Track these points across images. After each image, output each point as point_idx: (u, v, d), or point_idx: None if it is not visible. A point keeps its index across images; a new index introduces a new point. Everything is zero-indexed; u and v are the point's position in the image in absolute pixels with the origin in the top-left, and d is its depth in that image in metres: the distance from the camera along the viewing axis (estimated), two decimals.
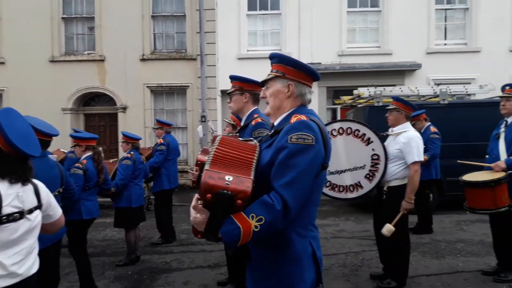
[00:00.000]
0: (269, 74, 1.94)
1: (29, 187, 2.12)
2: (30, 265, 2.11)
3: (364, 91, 7.68)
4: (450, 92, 7.58)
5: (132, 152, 5.35)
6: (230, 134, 2.89)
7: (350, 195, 4.11)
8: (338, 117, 11.57)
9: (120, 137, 5.61)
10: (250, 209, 1.57)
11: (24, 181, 2.09)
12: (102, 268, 5.17)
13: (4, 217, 1.94)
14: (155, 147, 6.32)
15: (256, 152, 1.75)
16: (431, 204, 6.99)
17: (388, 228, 3.86)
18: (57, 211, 2.34)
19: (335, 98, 10.77)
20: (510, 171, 3.94)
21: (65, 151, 6.65)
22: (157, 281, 4.68)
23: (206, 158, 1.66)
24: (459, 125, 7.43)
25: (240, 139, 1.88)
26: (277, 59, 1.93)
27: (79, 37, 12.07)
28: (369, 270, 4.70)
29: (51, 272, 3.34)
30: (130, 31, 11.51)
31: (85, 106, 12.24)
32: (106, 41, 11.63)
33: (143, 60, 11.63)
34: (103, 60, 11.67)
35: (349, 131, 4.02)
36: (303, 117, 1.73)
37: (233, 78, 3.01)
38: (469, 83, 10.26)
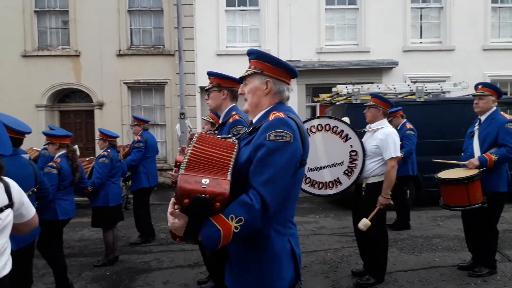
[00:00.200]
0: (247, 71, 1.93)
1: (0, 185, 2.05)
2: (2, 266, 2.05)
3: (342, 89, 7.75)
4: (426, 90, 7.72)
5: (109, 150, 5.23)
6: (209, 132, 2.84)
7: (329, 192, 4.14)
8: (318, 114, 11.64)
9: (97, 134, 5.48)
10: (229, 210, 1.56)
11: None
12: (80, 269, 5.06)
13: None
14: (132, 144, 6.20)
15: (235, 149, 1.73)
16: (408, 200, 7.11)
17: (364, 223, 3.90)
18: (30, 211, 2.27)
19: (314, 95, 10.83)
20: (483, 168, 4.04)
21: (38, 149, 6.47)
22: (136, 281, 4.60)
23: (183, 159, 1.63)
24: (435, 122, 7.59)
25: (219, 136, 1.85)
26: (255, 56, 1.91)
27: (53, 31, 11.72)
28: (349, 267, 4.74)
29: (24, 274, 3.25)
30: (106, 26, 11.25)
31: (60, 102, 11.92)
32: (81, 35, 11.33)
33: (119, 55, 11.40)
34: (78, 55, 11.37)
35: (327, 127, 4.04)
36: (281, 115, 1.72)
37: (211, 74, 2.98)
38: (444, 81, 10.49)
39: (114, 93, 11.41)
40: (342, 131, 4.04)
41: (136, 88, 11.71)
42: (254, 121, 1.90)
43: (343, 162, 4.06)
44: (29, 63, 11.37)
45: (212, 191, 1.50)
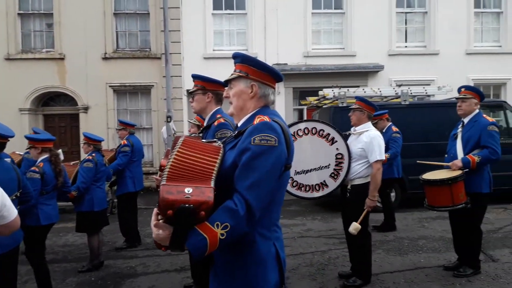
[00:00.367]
0: (232, 74, 1.93)
1: None
2: None
3: (328, 92, 7.82)
4: (411, 93, 7.82)
5: (93, 154, 5.17)
6: (193, 135, 2.83)
7: (316, 194, 4.17)
8: (305, 118, 11.69)
9: (82, 138, 5.43)
10: (214, 217, 1.55)
11: None
12: (64, 275, 4.97)
13: None
14: (118, 148, 6.13)
15: (220, 154, 1.72)
16: (393, 202, 7.18)
17: (354, 227, 3.93)
18: (12, 212, 2.22)
19: (301, 98, 10.87)
20: (467, 170, 4.11)
21: (21, 153, 6.36)
22: (121, 286, 4.55)
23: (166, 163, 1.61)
24: (420, 125, 7.69)
25: (203, 140, 1.85)
26: (240, 59, 1.91)
27: (37, 34, 11.56)
28: (336, 269, 4.76)
29: (8, 279, 3.18)
30: (91, 29, 11.14)
31: (44, 106, 11.75)
32: (65, 38, 11.20)
33: (105, 58, 11.29)
34: (62, 59, 11.23)
35: (314, 131, 4.06)
36: (266, 118, 1.72)
37: (195, 77, 2.97)
38: (429, 84, 10.64)
39: (100, 97, 11.29)
40: (328, 134, 4.07)
41: (122, 91, 11.60)
42: (239, 124, 1.90)
43: (329, 165, 4.08)
44: (13, 66, 11.19)
45: (196, 200, 1.47)
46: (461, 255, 4.48)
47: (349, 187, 4.16)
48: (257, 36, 11.56)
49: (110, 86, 11.37)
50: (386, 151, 6.05)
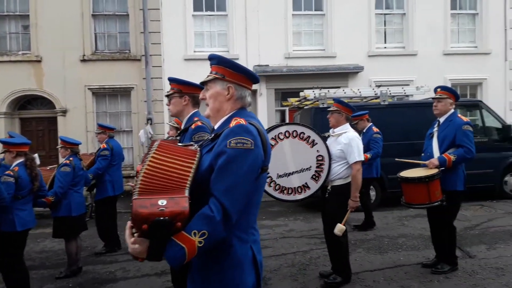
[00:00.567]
0: (208, 76, 1.92)
1: None
2: None
3: (309, 93, 7.88)
4: (390, 94, 7.94)
5: (71, 158, 5.06)
6: (170, 138, 2.80)
7: (298, 197, 4.19)
8: (287, 119, 11.74)
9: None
10: (191, 225, 1.54)
11: None
12: (41, 281, 4.87)
13: None
14: (97, 152, 6.04)
15: (196, 157, 1.71)
16: (371, 201, 7.27)
17: (339, 228, 3.98)
18: None
19: (283, 99, 10.93)
20: (443, 168, 4.19)
21: None
22: None
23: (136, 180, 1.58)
24: (399, 125, 7.80)
25: (180, 144, 1.83)
26: (216, 61, 1.91)
27: (13, 36, 11.28)
28: (317, 269, 4.78)
29: None
30: (68, 31, 10.91)
31: (21, 109, 11.47)
32: (42, 40, 10.95)
33: (83, 60, 11.09)
34: (39, 61, 10.99)
35: (294, 134, 4.09)
36: (242, 121, 1.71)
37: (171, 80, 2.95)
38: (408, 85, 10.78)
39: (78, 99, 11.08)
40: (309, 137, 4.10)
41: (101, 94, 11.43)
42: (216, 127, 1.89)
43: (310, 167, 4.12)
44: None
45: (171, 211, 1.44)
46: (439, 252, 4.57)
47: (329, 188, 4.20)
48: (238, 37, 11.55)
49: (89, 88, 11.17)
50: (366, 151, 6.16)
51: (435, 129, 4.46)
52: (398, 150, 7.33)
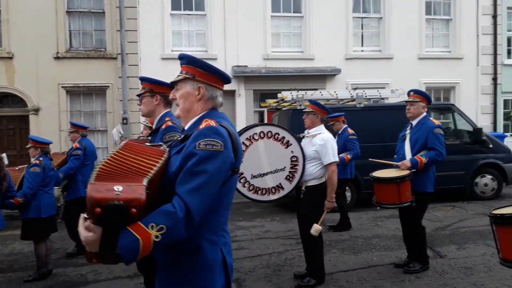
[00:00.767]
0: (178, 75, 1.90)
1: None
2: None
3: (287, 95, 7.92)
4: (366, 96, 8.06)
5: (41, 158, 4.93)
6: (142, 138, 2.77)
7: (272, 197, 4.20)
8: (265, 119, 11.77)
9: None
10: (149, 218, 1.48)
11: None
12: (8, 285, 4.72)
13: None
14: (70, 152, 5.90)
15: (163, 157, 1.68)
16: (347, 202, 7.35)
17: (316, 228, 4.00)
18: None
19: (262, 101, 10.94)
20: (414, 169, 4.28)
21: None
22: None
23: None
24: (374, 127, 7.92)
25: (148, 144, 1.80)
26: (186, 60, 1.88)
27: None
28: (292, 269, 4.79)
29: None
30: (42, 27, 10.67)
31: None
32: (14, 37, 10.67)
33: (57, 58, 10.86)
34: (11, 58, 10.70)
35: (269, 134, 4.10)
36: (213, 123, 1.69)
37: (142, 79, 2.91)
38: (384, 88, 10.99)
39: (51, 98, 10.84)
40: (284, 137, 4.12)
41: (75, 92, 11.21)
42: (186, 128, 1.87)
43: (284, 167, 4.13)
44: None
45: (126, 197, 1.39)
46: (410, 252, 4.65)
47: (303, 188, 4.22)
48: (217, 37, 11.51)
49: (62, 86, 10.94)
50: (342, 152, 6.23)
51: (408, 131, 4.56)
52: (373, 151, 7.39)
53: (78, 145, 5.83)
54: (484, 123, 12.45)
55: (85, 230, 1.45)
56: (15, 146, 10.99)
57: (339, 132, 6.69)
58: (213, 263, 1.70)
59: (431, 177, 4.37)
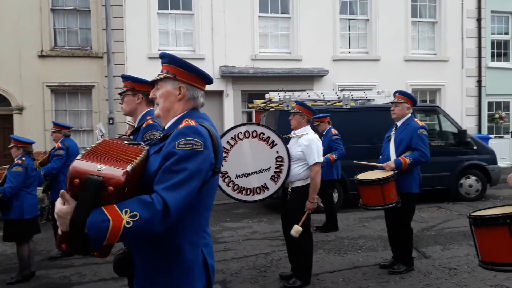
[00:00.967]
0: (159, 74, 1.87)
1: None
2: None
3: (274, 96, 7.92)
4: (352, 98, 8.10)
5: (23, 158, 4.85)
6: (123, 137, 2.73)
7: (257, 197, 4.19)
8: (253, 120, 11.75)
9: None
10: (125, 203, 1.47)
11: None
12: None
13: None
14: (52, 151, 5.81)
15: (141, 155, 1.66)
16: (335, 202, 7.37)
17: (296, 229, 3.99)
18: None
19: (250, 101, 10.92)
20: (398, 171, 4.31)
21: None
22: None
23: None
24: (361, 128, 7.97)
25: (126, 142, 1.77)
26: (168, 59, 1.86)
27: None
28: (278, 271, 4.78)
29: None
30: (26, 25, 10.47)
31: None
32: None
33: (41, 56, 10.67)
34: None
35: (254, 134, 4.09)
36: (193, 122, 1.68)
37: (124, 77, 2.88)
38: (371, 89, 11.08)
39: (36, 97, 10.65)
40: (269, 137, 4.11)
41: (60, 91, 11.04)
42: (166, 127, 1.85)
43: (269, 168, 4.12)
44: None
45: (106, 174, 1.42)
46: (395, 253, 4.68)
47: (289, 189, 4.21)
48: (204, 37, 11.46)
49: (47, 85, 10.76)
50: (327, 153, 6.26)
51: (393, 132, 4.59)
52: (359, 152, 7.46)
53: (60, 145, 5.76)
54: (469, 125, 12.64)
55: (61, 202, 1.46)
56: None
57: (324, 133, 6.73)
58: (193, 264, 1.69)
59: (416, 178, 4.40)
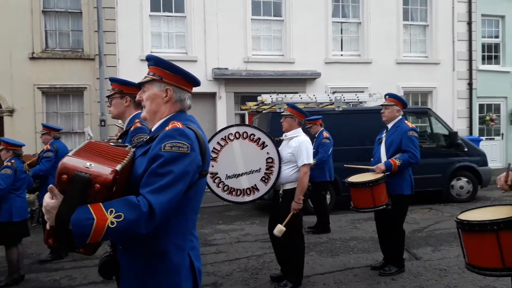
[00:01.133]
0: (145, 77, 1.87)
1: None
2: None
3: (267, 98, 7.93)
4: (344, 100, 8.13)
5: (13, 160, 4.82)
6: (111, 140, 2.71)
7: (247, 199, 4.19)
8: (247, 122, 11.74)
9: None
10: (111, 203, 1.47)
11: None
12: None
13: None
14: (41, 154, 5.77)
15: (127, 157, 1.65)
16: (327, 204, 7.39)
17: (279, 229, 3.98)
18: None
19: (242, 103, 10.92)
20: (388, 173, 4.32)
21: None
22: None
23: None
24: (353, 130, 7.99)
25: (112, 144, 1.76)
26: (154, 61, 1.86)
27: None
28: (269, 272, 4.78)
29: None
30: (17, 27, 10.39)
31: None
32: None
33: (33, 58, 10.59)
34: None
35: (245, 135, 4.09)
36: (179, 125, 1.67)
37: (112, 80, 2.86)
38: (363, 92, 11.11)
39: (27, 99, 10.56)
40: (259, 138, 4.11)
41: (51, 93, 10.95)
42: (153, 130, 1.84)
43: (260, 169, 4.12)
44: None
45: (94, 171, 1.44)
46: (386, 254, 4.69)
47: (280, 191, 4.21)
48: (197, 39, 11.44)
49: (38, 87, 10.67)
50: (316, 155, 6.27)
51: (384, 134, 4.62)
52: (352, 155, 7.51)
53: (49, 147, 5.72)
54: (460, 127, 12.73)
55: (49, 196, 1.47)
56: None
57: (316, 136, 6.75)
58: (180, 267, 1.68)
59: (407, 180, 4.43)
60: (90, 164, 1.46)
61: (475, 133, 13.27)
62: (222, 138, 4.00)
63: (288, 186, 4.15)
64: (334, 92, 8.65)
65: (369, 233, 6.44)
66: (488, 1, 13.40)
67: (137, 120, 2.68)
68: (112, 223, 1.42)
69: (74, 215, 1.40)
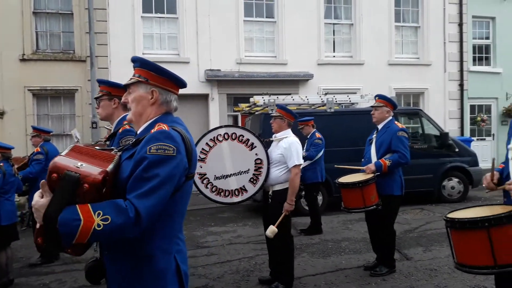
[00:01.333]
0: (131, 78, 1.86)
1: None
2: None
3: (259, 99, 7.92)
4: (336, 101, 8.15)
5: (1, 163, 4.76)
6: (99, 142, 2.69)
7: (235, 199, 4.20)
8: (239, 123, 11.72)
9: None
10: (99, 205, 1.47)
11: None
12: None
13: None
14: (31, 156, 5.72)
15: (113, 161, 1.63)
16: (319, 205, 7.40)
17: (271, 230, 3.98)
18: None
19: (235, 105, 10.90)
20: (378, 173, 4.34)
21: None
22: None
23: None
24: (345, 131, 8.02)
25: (97, 148, 1.75)
26: (139, 63, 1.85)
27: None
28: (260, 275, 4.77)
29: None
30: (7, 28, 10.27)
31: None
32: None
33: (23, 60, 10.48)
34: None
35: (234, 136, 4.09)
36: (165, 127, 1.66)
37: (100, 82, 2.85)
38: (355, 93, 11.13)
39: (17, 101, 10.44)
40: (248, 140, 4.12)
41: (42, 95, 10.86)
42: (139, 132, 1.83)
43: (248, 170, 4.12)
44: None
45: (84, 172, 1.45)
46: (378, 255, 4.71)
47: (270, 192, 4.21)
48: (189, 41, 11.41)
49: (29, 89, 10.57)
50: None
51: (374, 135, 4.64)
52: (343, 155, 7.51)
53: (39, 150, 5.67)
54: (451, 127, 12.82)
55: (39, 195, 1.49)
56: None
57: (308, 137, 6.76)
58: (166, 271, 1.67)
59: (397, 180, 4.44)
60: (81, 164, 1.47)
61: (467, 133, 13.37)
62: (211, 139, 4.00)
63: (278, 187, 4.14)
64: (326, 94, 8.66)
65: (361, 234, 6.46)
66: (479, 2, 13.52)
67: (125, 122, 2.67)
68: (98, 225, 1.43)
69: (61, 215, 1.41)
